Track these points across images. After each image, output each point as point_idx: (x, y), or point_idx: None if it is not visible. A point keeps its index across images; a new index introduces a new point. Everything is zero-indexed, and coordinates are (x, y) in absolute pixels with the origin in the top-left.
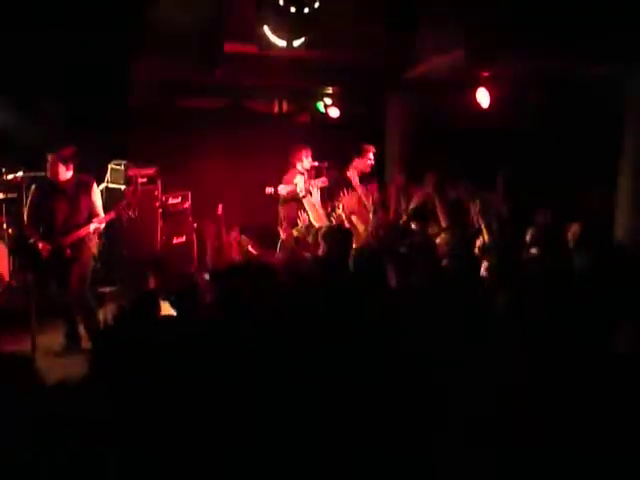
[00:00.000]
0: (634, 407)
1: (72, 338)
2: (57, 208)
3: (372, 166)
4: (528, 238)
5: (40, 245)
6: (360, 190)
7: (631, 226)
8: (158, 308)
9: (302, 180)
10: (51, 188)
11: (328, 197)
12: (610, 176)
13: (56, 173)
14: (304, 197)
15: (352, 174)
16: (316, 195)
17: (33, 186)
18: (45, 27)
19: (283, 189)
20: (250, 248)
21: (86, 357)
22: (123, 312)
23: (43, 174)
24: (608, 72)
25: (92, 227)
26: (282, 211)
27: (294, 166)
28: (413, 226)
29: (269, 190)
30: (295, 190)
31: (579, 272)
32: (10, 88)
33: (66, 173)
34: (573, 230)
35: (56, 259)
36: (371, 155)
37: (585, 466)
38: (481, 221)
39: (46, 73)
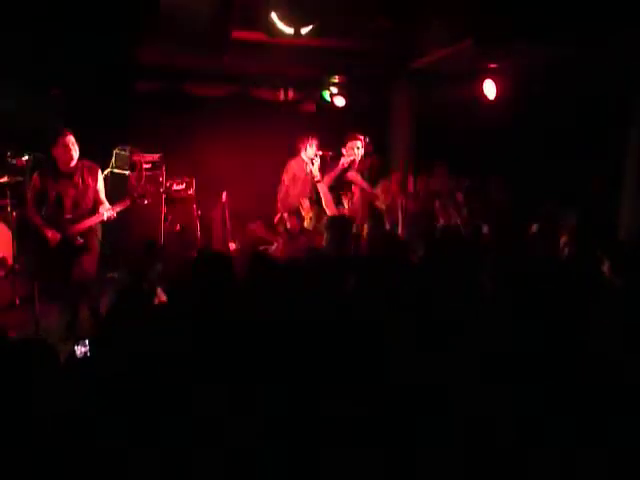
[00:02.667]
0: None
1: (70, 327)
2: (65, 194)
3: (361, 156)
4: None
5: (50, 234)
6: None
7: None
8: (139, 302)
9: (316, 166)
10: (56, 173)
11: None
12: (615, 174)
13: (71, 158)
14: (319, 182)
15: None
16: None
17: (36, 173)
18: (49, 12)
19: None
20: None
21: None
22: (110, 310)
23: (47, 157)
24: (615, 68)
25: (106, 215)
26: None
27: (299, 154)
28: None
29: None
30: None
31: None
32: (14, 72)
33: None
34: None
35: (65, 247)
36: (359, 144)
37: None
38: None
39: (50, 57)
